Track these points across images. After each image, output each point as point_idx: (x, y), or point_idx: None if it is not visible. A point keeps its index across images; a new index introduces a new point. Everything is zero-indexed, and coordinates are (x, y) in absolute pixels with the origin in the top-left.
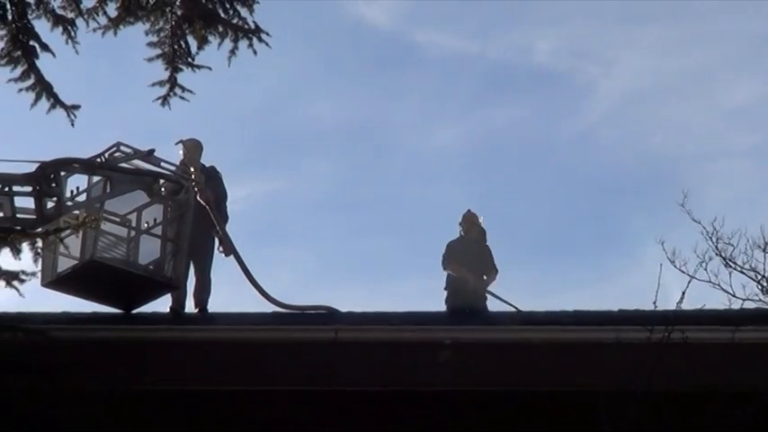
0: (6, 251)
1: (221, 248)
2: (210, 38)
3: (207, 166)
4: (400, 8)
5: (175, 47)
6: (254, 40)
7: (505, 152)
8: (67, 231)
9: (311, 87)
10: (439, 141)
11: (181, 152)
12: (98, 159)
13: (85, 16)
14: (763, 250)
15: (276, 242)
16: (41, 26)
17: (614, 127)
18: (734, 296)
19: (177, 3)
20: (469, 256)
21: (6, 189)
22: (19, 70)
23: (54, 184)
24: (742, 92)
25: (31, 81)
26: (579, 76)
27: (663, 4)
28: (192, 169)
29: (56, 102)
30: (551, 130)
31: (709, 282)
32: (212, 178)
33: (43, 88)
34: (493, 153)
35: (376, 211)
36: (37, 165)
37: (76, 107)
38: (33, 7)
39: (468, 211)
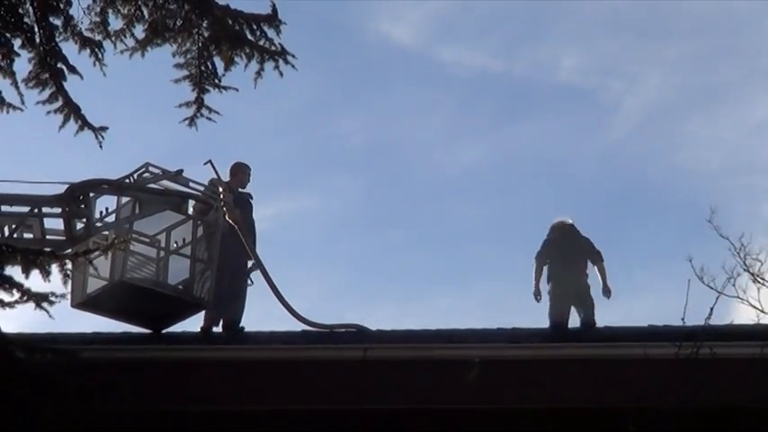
0: (36, 273)
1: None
2: (237, 59)
3: (245, 191)
4: (425, 26)
5: (202, 68)
6: (281, 61)
7: (531, 169)
8: (97, 252)
9: (337, 105)
10: (465, 158)
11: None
12: (127, 180)
13: (113, 38)
14: None
15: (304, 260)
16: (69, 48)
17: (639, 143)
18: (762, 312)
19: (204, 24)
20: None
21: (36, 211)
22: (47, 92)
23: (83, 206)
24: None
25: (58, 103)
26: (604, 92)
27: (686, 19)
28: (220, 189)
29: (84, 123)
30: (576, 147)
31: (738, 297)
32: (245, 204)
33: (71, 110)
34: (518, 170)
35: (403, 229)
36: (66, 186)
37: (104, 129)
38: (61, 30)
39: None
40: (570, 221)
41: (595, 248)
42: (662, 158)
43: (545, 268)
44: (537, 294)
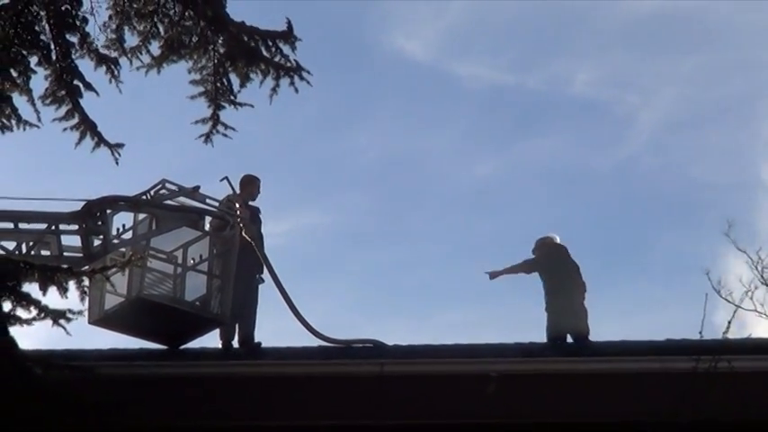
0: (53, 290)
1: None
2: (252, 76)
3: (253, 206)
4: (439, 41)
5: (218, 85)
6: (296, 78)
7: (545, 183)
8: (114, 269)
9: (351, 120)
10: (479, 172)
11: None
12: (143, 197)
13: (129, 55)
14: None
15: (319, 276)
16: (85, 65)
17: (655, 156)
18: None
19: (220, 41)
20: None
21: (53, 228)
22: (63, 109)
23: (100, 222)
24: None
25: (75, 120)
26: (619, 106)
27: (701, 33)
28: (237, 205)
29: (100, 140)
30: (591, 161)
31: (756, 311)
32: (255, 219)
33: (87, 127)
34: (533, 184)
35: (416, 244)
36: (83, 203)
37: (120, 145)
38: (77, 47)
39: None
40: (559, 241)
41: (581, 279)
42: (677, 172)
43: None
44: (493, 276)
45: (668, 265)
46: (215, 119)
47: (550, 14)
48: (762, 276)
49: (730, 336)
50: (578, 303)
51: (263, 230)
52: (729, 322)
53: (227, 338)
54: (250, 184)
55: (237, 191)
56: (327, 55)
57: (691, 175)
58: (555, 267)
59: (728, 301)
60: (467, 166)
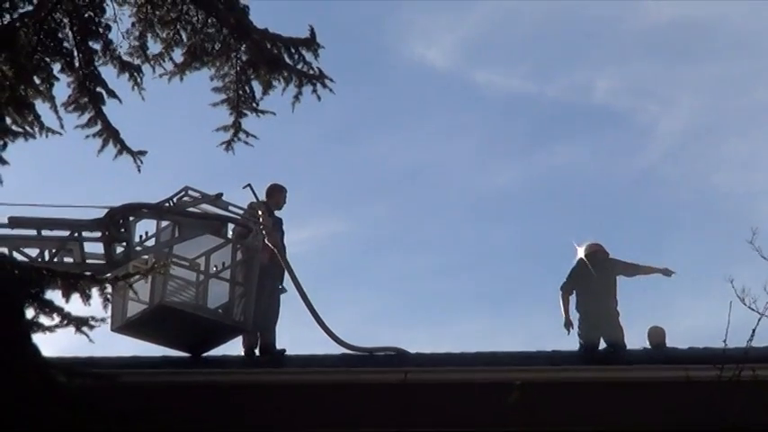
0: (76, 297)
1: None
2: (275, 83)
3: (277, 216)
4: (459, 49)
5: (240, 92)
6: (318, 85)
7: (565, 191)
8: (137, 276)
9: (370, 129)
10: (499, 180)
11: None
12: (166, 204)
13: (152, 62)
14: None
15: (340, 283)
16: (108, 73)
17: (676, 165)
18: None
19: (242, 48)
20: None
21: (76, 235)
22: (86, 116)
23: (123, 230)
24: None
25: (97, 127)
26: (639, 114)
27: (721, 41)
28: (259, 213)
29: (122, 147)
30: (612, 170)
31: None
32: (278, 228)
33: (110, 134)
34: (553, 192)
35: (437, 252)
36: (106, 210)
37: (143, 153)
38: (100, 54)
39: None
40: (596, 246)
41: (627, 263)
42: (699, 180)
43: (572, 298)
44: (567, 325)
45: (691, 273)
46: (237, 126)
47: (570, 23)
48: None
49: (754, 344)
50: (612, 309)
51: (285, 240)
52: (754, 331)
53: (249, 346)
54: (277, 193)
55: (262, 198)
56: (347, 63)
57: (712, 183)
58: (584, 278)
59: (753, 310)
60: (486, 175)
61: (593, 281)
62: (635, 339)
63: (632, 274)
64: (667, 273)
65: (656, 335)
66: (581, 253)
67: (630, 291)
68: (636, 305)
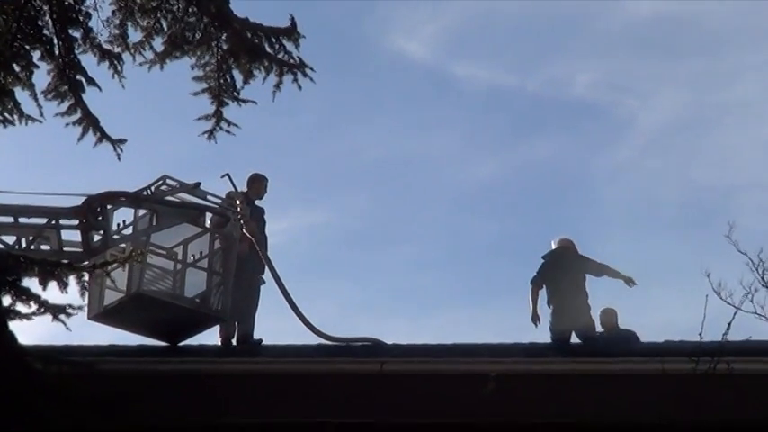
0: (53, 285)
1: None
2: (256, 72)
3: (259, 206)
4: (439, 42)
5: (221, 81)
6: (299, 74)
7: (545, 184)
8: (114, 265)
9: (350, 121)
10: (478, 173)
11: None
12: (144, 193)
13: (132, 51)
14: None
15: (318, 274)
16: (88, 61)
17: (655, 159)
18: None
19: (223, 37)
20: None
21: (53, 223)
22: (66, 104)
23: (100, 218)
24: None
25: (77, 115)
26: (619, 108)
27: (701, 37)
28: (237, 202)
29: (102, 136)
30: (590, 163)
31: (756, 313)
32: (259, 218)
33: (90, 122)
34: (532, 185)
35: (416, 244)
36: (83, 198)
37: (123, 141)
38: (80, 42)
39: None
40: (566, 241)
41: (596, 262)
42: (677, 174)
43: (541, 292)
44: (535, 319)
45: (668, 266)
46: (218, 115)
47: (550, 16)
48: (762, 278)
49: (730, 338)
50: (582, 302)
51: (267, 231)
52: (729, 324)
53: (226, 336)
54: (258, 183)
55: (241, 188)
56: (327, 55)
57: (691, 177)
58: (554, 273)
59: (729, 303)
60: (466, 168)
61: (563, 276)
62: None
63: (599, 274)
64: (630, 282)
65: (608, 316)
66: (553, 247)
67: (605, 282)
68: (610, 297)
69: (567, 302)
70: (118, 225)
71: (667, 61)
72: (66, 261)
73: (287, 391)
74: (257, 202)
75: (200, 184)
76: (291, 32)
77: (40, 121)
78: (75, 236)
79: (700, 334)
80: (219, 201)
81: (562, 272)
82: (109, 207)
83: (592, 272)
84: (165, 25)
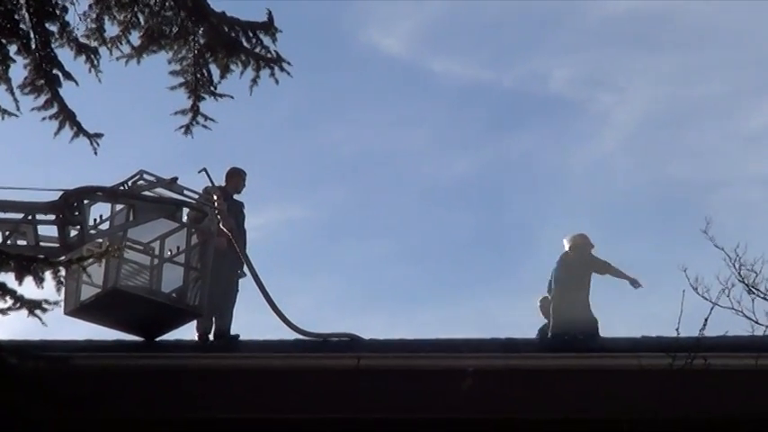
0: (29, 280)
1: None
2: (233, 66)
3: (238, 200)
4: (415, 36)
5: (198, 75)
6: (276, 69)
7: (521, 179)
8: (90, 260)
9: (326, 115)
10: (455, 168)
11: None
12: (121, 187)
13: (109, 45)
14: None
15: (296, 269)
16: (65, 55)
17: (631, 154)
18: (757, 323)
19: (200, 32)
20: None
21: (30, 217)
22: (42, 99)
23: (77, 213)
24: (761, 118)
25: (54, 110)
26: (595, 104)
27: (677, 33)
28: (214, 197)
29: (79, 130)
30: (567, 158)
31: (732, 308)
32: (238, 213)
33: (66, 117)
34: (509, 180)
35: (393, 239)
36: (60, 193)
37: (99, 135)
38: (57, 36)
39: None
40: (578, 239)
41: (599, 260)
42: (654, 170)
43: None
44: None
45: (645, 261)
46: (195, 110)
47: (527, 12)
48: (739, 274)
49: (707, 333)
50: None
51: (246, 225)
52: (706, 320)
53: (203, 331)
54: (236, 177)
55: (219, 183)
56: (304, 50)
57: (667, 172)
58: (558, 273)
59: (705, 299)
60: (443, 163)
61: (567, 274)
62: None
63: (603, 272)
64: (635, 283)
65: (544, 306)
66: (566, 245)
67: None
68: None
69: (567, 298)
70: (95, 220)
71: (644, 57)
72: (42, 256)
73: (264, 386)
74: (236, 197)
75: (177, 178)
76: (268, 27)
77: (16, 116)
78: (52, 231)
79: (676, 329)
80: (197, 196)
81: (566, 271)
82: (85, 202)
83: (597, 269)
84: (141, 19)
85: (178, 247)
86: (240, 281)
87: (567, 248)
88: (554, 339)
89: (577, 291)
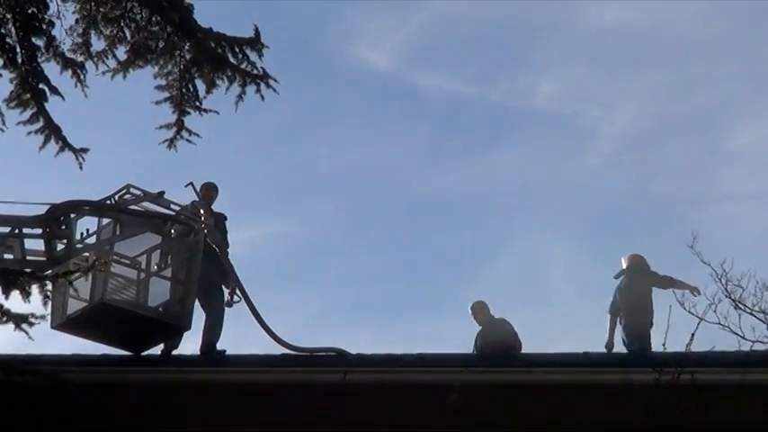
0: (16, 293)
1: (230, 295)
2: (219, 82)
3: (218, 212)
4: (402, 52)
5: (184, 90)
6: (262, 85)
7: (507, 195)
8: (77, 274)
9: (312, 130)
10: (441, 184)
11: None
12: (108, 201)
13: (95, 59)
14: None
15: (282, 284)
16: (51, 69)
17: (616, 170)
18: (743, 338)
19: (186, 47)
20: None
21: (16, 231)
22: (28, 113)
23: (64, 227)
24: (744, 135)
25: (39, 124)
26: (581, 119)
27: (663, 48)
28: (201, 212)
29: (64, 144)
30: (553, 174)
31: (719, 324)
32: (221, 225)
33: (52, 131)
34: (495, 196)
35: (379, 255)
36: (47, 207)
37: (85, 150)
38: (43, 50)
39: None
40: (636, 258)
41: (661, 276)
42: (639, 185)
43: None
44: (610, 347)
45: None
46: (179, 124)
47: (513, 28)
48: (725, 289)
49: (693, 348)
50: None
51: (229, 239)
52: (693, 335)
53: (169, 349)
54: (208, 191)
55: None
56: (290, 64)
57: (652, 188)
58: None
59: (692, 314)
60: (429, 178)
61: (630, 293)
62: (577, 343)
63: (666, 286)
64: (695, 291)
65: (481, 309)
66: (623, 265)
67: (567, 295)
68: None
69: (634, 320)
70: (81, 234)
71: (629, 73)
72: (29, 270)
73: (250, 401)
74: (216, 209)
75: (163, 192)
76: (255, 43)
77: (2, 130)
78: (39, 245)
79: (663, 344)
80: (183, 210)
81: (629, 290)
82: (72, 216)
83: (659, 285)
84: (128, 34)
85: (166, 261)
86: (224, 294)
87: (624, 267)
88: (538, 354)
89: (643, 312)
